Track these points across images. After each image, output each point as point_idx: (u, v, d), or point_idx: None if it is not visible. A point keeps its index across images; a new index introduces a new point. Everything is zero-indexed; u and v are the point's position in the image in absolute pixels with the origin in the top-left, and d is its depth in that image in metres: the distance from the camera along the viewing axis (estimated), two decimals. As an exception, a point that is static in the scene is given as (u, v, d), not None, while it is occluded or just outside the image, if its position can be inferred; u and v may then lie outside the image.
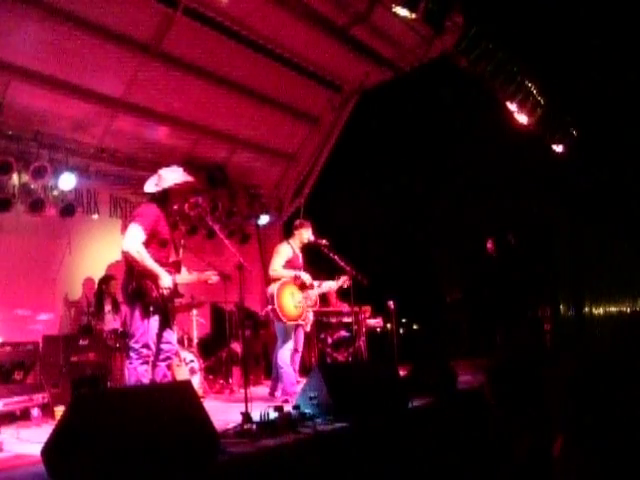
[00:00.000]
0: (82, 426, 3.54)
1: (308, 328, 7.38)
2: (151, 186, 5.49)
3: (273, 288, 6.98)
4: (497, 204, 12.25)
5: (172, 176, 5.47)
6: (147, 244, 5.17)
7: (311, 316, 7.35)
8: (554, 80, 10.44)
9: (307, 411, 5.23)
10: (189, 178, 5.57)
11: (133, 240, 5.11)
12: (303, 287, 7.21)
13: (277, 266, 7.12)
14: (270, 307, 6.97)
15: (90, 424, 3.53)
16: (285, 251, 7.25)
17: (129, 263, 5.18)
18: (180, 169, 5.59)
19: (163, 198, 5.46)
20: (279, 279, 7.06)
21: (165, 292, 5.18)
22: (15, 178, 7.75)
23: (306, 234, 7.34)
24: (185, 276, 5.69)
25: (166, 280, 5.17)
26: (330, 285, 7.64)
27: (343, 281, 7.56)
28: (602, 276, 16.97)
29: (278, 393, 7.14)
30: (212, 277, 5.66)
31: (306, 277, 7.24)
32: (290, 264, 7.20)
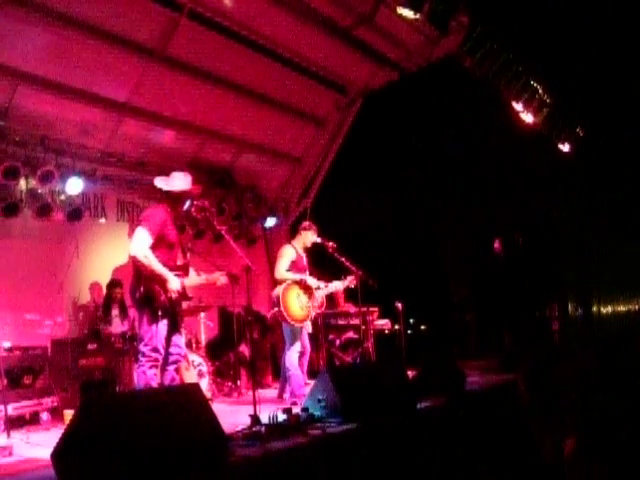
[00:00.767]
0: (91, 430, 3.55)
1: (310, 329, 7.38)
2: (161, 182, 5.52)
3: (279, 290, 6.98)
4: (504, 204, 12.23)
5: (180, 182, 5.51)
6: (154, 248, 5.17)
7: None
8: (560, 79, 10.42)
9: (316, 413, 5.23)
10: (192, 188, 5.60)
11: (140, 244, 5.12)
12: (308, 289, 7.21)
13: (282, 269, 7.11)
14: (276, 309, 6.97)
15: (99, 428, 3.54)
16: (288, 253, 7.25)
17: (137, 267, 5.19)
18: (189, 177, 5.62)
19: (170, 200, 5.48)
20: (284, 282, 7.06)
21: (174, 295, 5.19)
22: (22, 183, 7.78)
23: (312, 237, 7.34)
24: (193, 278, 5.70)
25: (174, 283, 5.18)
26: (337, 285, 7.64)
27: (350, 281, 7.57)
28: (610, 275, 16.92)
29: (286, 395, 7.15)
30: (220, 278, 5.65)
31: (312, 281, 7.23)
32: (294, 266, 7.19)
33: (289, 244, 7.44)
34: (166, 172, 5.68)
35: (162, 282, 5.13)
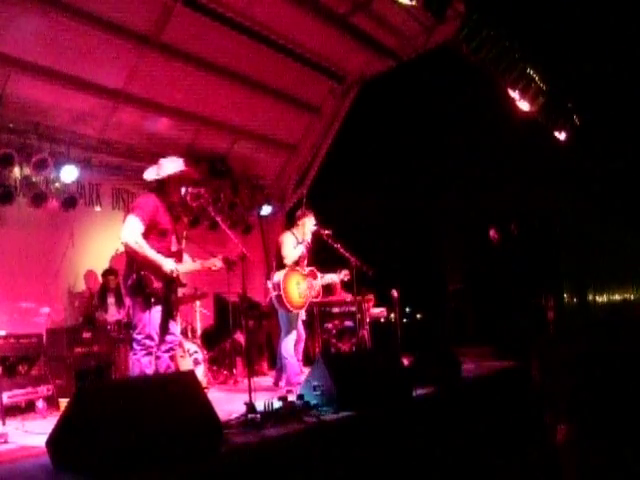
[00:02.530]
0: (86, 417, 3.55)
1: (304, 316, 7.40)
2: (151, 174, 5.48)
3: (279, 275, 6.98)
4: (500, 193, 12.23)
5: (171, 165, 5.46)
6: (146, 235, 5.15)
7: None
8: (556, 67, 10.39)
9: (311, 401, 5.24)
10: (187, 168, 5.55)
11: (131, 231, 5.10)
12: (307, 277, 7.23)
13: (289, 252, 7.10)
14: (275, 294, 6.96)
15: (94, 415, 3.54)
16: (290, 239, 7.25)
17: (129, 255, 5.18)
18: (180, 159, 5.57)
19: (162, 187, 5.44)
20: (284, 267, 7.05)
21: (174, 274, 5.17)
22: (17, 171, 7.75)
23: (309, 223, 7.33)
24: (189, 265, 5.69)
25: (168, 265, 5.15)
26: (332, 277, 7.66)
27: (344, 275, 7.61)
28: (606, 264, 16.97)
29: (282, 383, 7.16)
30: (216, 263, 5.64)
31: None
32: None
33: (289, 232, 7.42)
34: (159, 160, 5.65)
35: (155, 268, 5.11)
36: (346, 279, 7.69)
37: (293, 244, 7.20)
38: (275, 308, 7.22)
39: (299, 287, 7.09)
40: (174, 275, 5.20)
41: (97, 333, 7.46)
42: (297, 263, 7.19)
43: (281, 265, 7.10)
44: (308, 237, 7.34)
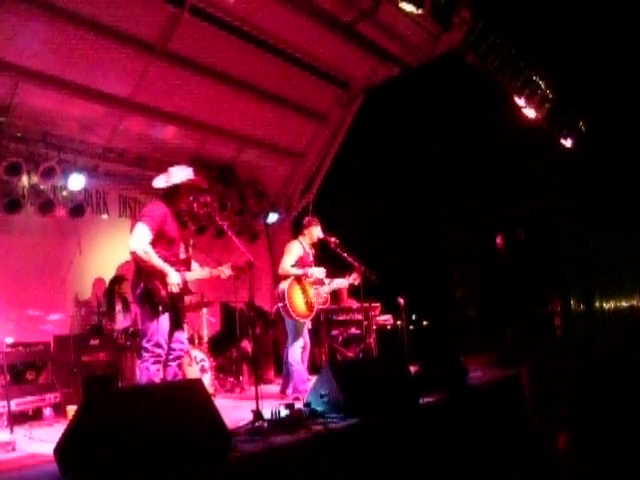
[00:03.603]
0: (94, 425, 3.56)
1: (310, 325, 7.41)
2: (160, 182, 5.52)
3: (284, 285, 7.00)
4: (506, 200, 12.22)
5: (180, 174, 5.49)
6: (154, 243, 5.18)
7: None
8: (562, 74, 10.40)
9: (318, 408, 5.24)
10: (196, 177, 5.59)
11: (140, 239, 5.12)
12: (313, 284, 7.23)
13: (286, 265, 7.13)
14: (281, 304, 6.98)
15: (102, 423, 3.55)
16: (295, 249, 7.26)
17: (137, 263, 5.20)
18: (190, 168, 5.61)
19: (171, 195, 5.47)
20: (288, 277, 7.07)
21: (174, 289, 5.18)
22: (24, 179, 7.77)
23: (316, 231, 7.36)
24: (198, 272, 5.71)
25: (173, 277, 5.17)
26: (341, 282, 7.66)
27: (354, 278, 7.59)
28: (613, 271, 16.91)
29: (289, 391, 7.16)
30: (225, 271, 5.65)
31: (318, 272, 7.24)
32: (301, 262, 7.21)
33: (296, 240, 7.45)
34: (167, 168, 5.67)
35: (162, 277, 5.14)
36: (356, 283, 7.66)
37: (298, 253, 7.22)
38: (282, 316, 7.23)
39: (305, 296, 7.10)
40: (174, 291, 5.19)
41: (104, 341, 7.48)
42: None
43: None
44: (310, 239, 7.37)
